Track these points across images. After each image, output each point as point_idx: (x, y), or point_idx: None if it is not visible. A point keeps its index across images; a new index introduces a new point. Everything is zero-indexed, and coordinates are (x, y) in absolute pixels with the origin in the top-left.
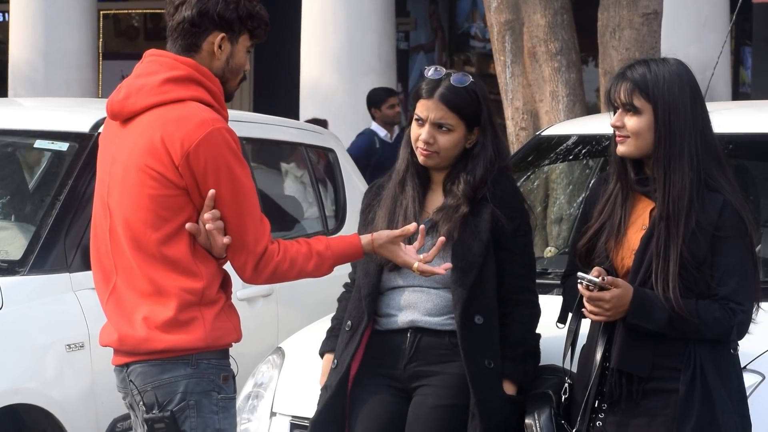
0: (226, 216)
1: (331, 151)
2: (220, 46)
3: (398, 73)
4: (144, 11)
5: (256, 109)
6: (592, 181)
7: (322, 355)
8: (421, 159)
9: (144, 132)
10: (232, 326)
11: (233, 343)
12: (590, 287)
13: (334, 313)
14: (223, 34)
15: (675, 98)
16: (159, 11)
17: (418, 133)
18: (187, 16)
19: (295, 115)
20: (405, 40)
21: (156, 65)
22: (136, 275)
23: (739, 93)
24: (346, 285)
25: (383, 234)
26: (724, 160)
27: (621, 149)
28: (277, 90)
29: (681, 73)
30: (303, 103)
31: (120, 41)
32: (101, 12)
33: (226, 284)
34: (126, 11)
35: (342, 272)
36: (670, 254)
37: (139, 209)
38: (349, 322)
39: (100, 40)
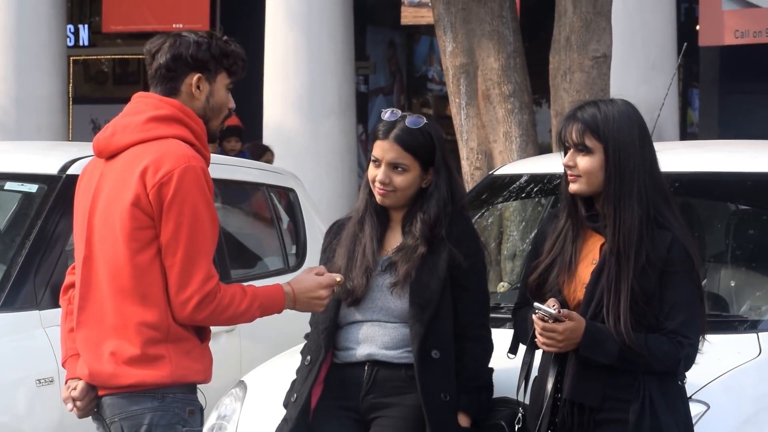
0: (181, 251)
1: (292, 190)
2: (198, 87)
3: (358, 115)
4: (113, 57)
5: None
6: (542, 217)
7: (285, 406)
8: (378, 198)
9: (126, 167)
10: (201, 367)
11: (201, 383)
12: (545, 318)
13: (298, 351)
14: (199, 75)
15: (624, 138)
16: (127, 57)
17: (375, 174)
18: (162, 62)
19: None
20: (365, 83)
21: (142, 105)
22: (106, 307)
23: (687, 133)
24: (307, 336)
25: (304, 279)
26: (671, 197)
27: (573, 187)
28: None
29: (629, 113)
30: (266, 144)
31: (90, 86)
32: (71, 58)
33: (202, 328)
34: (95, 57)
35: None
36: (621, 289)
37: (116, 242)
38: (308, 357)
39: (71, 85)
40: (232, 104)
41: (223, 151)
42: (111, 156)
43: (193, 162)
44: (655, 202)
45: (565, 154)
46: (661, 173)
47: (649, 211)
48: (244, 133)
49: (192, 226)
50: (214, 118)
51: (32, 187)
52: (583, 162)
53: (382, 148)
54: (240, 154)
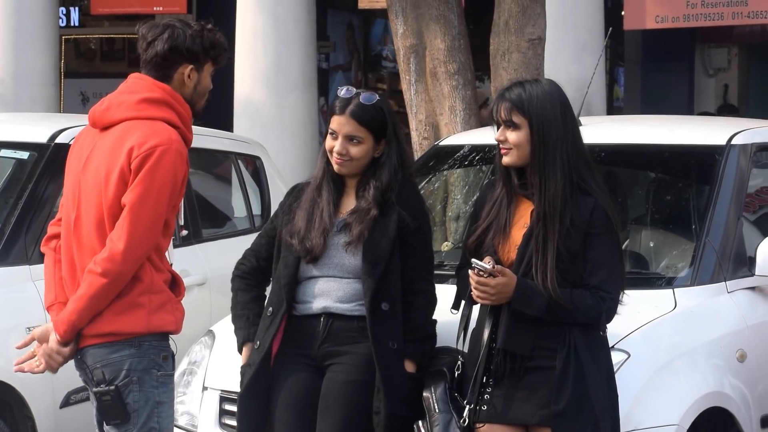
0: (123, 211)
1: (258, 158)
2: (188, 76)
3: (320, 89)
4: (100, 36)
5: (196, 120)
6: (483, 184)
7: (240, 348)
8: (335, 167)
9: (116, 142)
10: (173, 319)
11: (173, 333)
12: (481, 273)
13: (238, 308)
14: (191, 66)
15: (547, 113)
16: (114, 36)
17: (332, 145)
18: (159, 51)
19: (229, 126)
20: (326, 61)
21: (137, 86)
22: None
23: (613, 107)
24: (239, 268)
25: None
26: (593, 165)
27: (505, 160)
28: (215, 104)
29: (552, 91)
30: (236, 116)
31: (80, 62)
32: (63, 37)
33: (175, 285)
34: (84, 36)
35: None
36: (548, 249)
37: (106, 206)
38: (270, 308)
39: (62, 61)
40: (210, 87)
41: None
42: (105, 128)
43: (176, 145)
44: (578, 171)
45: (498, 129)
46: (583, 144)
47: (572, 179)
48: (217, 106)
49: (138, 201)
50: (199, 101)
51: (24, 154)
52: (512, 136)
53: (339, 122)
54: None
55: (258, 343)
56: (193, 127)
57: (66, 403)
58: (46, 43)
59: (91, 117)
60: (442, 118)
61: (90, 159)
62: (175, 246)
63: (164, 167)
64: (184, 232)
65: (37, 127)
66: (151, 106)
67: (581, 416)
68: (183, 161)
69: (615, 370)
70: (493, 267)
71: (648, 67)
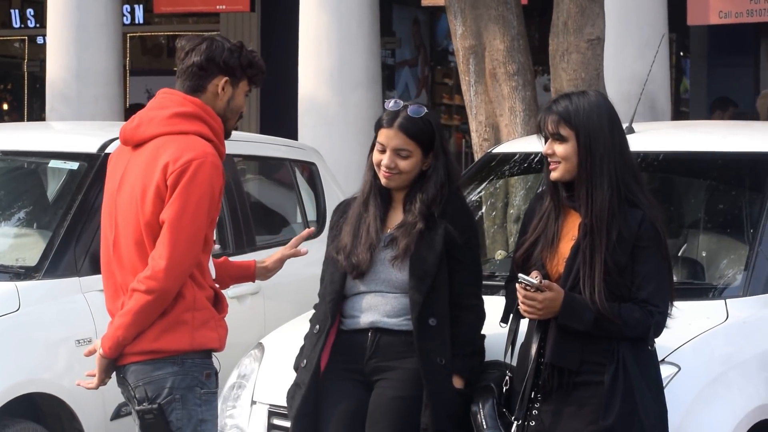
0: (162, 228)
1: (313, 164)
2: (222, 88)
3: (387, 84)
4: (165, 33)
5: (262, 118)
6: (531, 198)
7: (296, 369)
8: (383, 181)
9: (150, 158)
10: (216, 336)
11: (216, 350)
12: (528, 287)
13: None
14: (226, 78)
15: (594, 125)
16: (179, 33)
17: (380, 159)
18: (195, 61)
19: (294, 125)
20: (392, 57)
21: (167, 101)
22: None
23: (680, 99)
24: (315, 306)
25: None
26: (641, 177)
27: (554, 175)
28: (279, 103)
29: (599, 103)
30: (301, 115)
31: (146, 59)
32: (128, 35)
33: (218, 301)
34: (150, 33)
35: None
36: (596, 263)
37: (144, 224)
38: (317, 326)
39: (127, 58)
40: (244, 108)
41: None
42: (137, 145)
43: (210, 158)
44: (625, 183)
45: (545, 143)
46: (631, 156)
47: (620, 191)
48: (281, 105)
49: (177, 216)
50: (231, 119)
51: (74, 165)
52: (560, 149)
53: (387, 136)
54: None
55: (305, 361)
56: (249, 134)
57: (117, 415)
58: (109, 40)
59: (123, 135)
60: (502, 119)
61: (124, 177)
62: (230, 255)
63: (200, 181)
64: (217, 247)
65: (87, 137)
66: (182, 120)
67: None
68: (219, 174)
69: (665, 383)
70: (540, 281)
71: (713, 61)
